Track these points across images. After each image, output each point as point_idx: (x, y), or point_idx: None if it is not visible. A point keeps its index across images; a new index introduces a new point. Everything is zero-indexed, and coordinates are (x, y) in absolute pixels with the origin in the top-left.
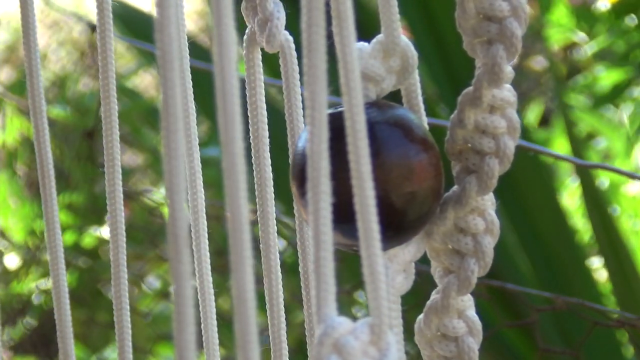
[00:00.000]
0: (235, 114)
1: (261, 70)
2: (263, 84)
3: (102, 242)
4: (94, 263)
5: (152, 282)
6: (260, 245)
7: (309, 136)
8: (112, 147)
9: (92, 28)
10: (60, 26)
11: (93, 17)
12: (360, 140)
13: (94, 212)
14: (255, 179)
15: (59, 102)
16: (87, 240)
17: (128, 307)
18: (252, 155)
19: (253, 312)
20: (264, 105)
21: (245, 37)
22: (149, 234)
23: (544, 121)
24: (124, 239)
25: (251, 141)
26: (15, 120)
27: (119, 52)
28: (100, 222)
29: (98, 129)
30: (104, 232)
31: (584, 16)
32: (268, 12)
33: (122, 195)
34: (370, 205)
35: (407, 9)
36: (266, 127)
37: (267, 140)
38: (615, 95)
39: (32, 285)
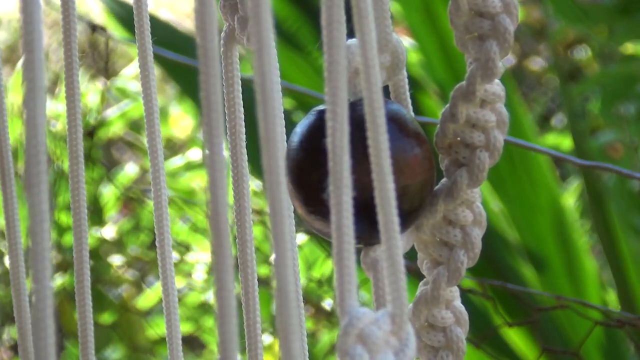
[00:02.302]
0: (277, 114)
1: (239, 67)
2: (240, 82)
3: (102, 242)
4: (95, 264)
5: (153, 281)
6: (237, 240)
7: (330, 131)
8: (75, 144)
9: (92, 28)
10: (60, 26)
11: (93, 17)
12: (381, 135)
13: (94, 212)
14: (232, 175)
15: (59, 101)
16: (89, 241)
17: (91, 308)
18: (230, 152)
19: (295, 304)
20: (242, 102)
21: (223, 34)
22: (150, 234)
23: (545, 122)
24: (87, 240)
25: (228, 138)
26: (16, 121)
27: (119, 52)
28: (100, 222)
29: (98, 129)
30: (105, 232)
31: (591, 12)
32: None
33: (85, 194)
34: (390, 198)
35: (410, 13)
36: (243, 124)
37: (244, 137)
38: (623, 91)
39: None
